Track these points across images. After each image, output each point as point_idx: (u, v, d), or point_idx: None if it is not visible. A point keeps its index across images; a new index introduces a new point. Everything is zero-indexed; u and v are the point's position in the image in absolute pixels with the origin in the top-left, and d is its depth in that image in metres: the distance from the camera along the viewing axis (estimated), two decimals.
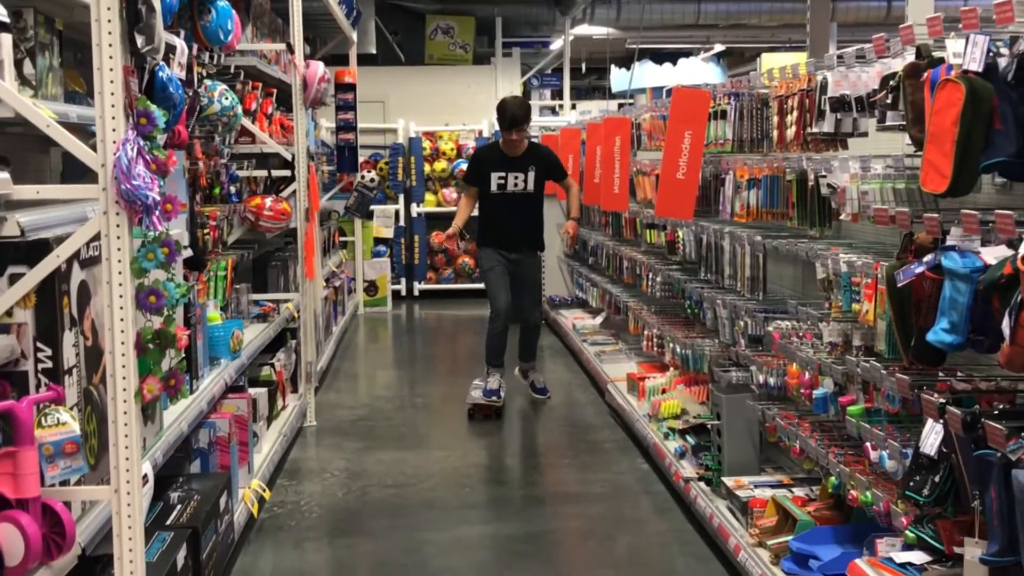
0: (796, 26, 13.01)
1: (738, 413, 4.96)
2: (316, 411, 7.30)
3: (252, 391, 5.79)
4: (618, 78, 16.97)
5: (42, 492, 2.82)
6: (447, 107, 13.35)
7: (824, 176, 4.09)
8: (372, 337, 11.19)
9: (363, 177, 10.98)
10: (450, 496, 5.71)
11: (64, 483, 2.99)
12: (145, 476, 3.31)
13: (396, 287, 12.87)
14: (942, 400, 2.99)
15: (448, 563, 4.76)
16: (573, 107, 14.71)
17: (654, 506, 5.51)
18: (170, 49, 3.98)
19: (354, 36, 10.72)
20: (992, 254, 2.82)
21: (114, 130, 2.93)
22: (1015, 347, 2.59)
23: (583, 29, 13.84)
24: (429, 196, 12.97)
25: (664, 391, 6.44)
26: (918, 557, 3.21)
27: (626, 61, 16.92)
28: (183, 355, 3.51)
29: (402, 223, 13.00)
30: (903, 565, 3.22)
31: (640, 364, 7.40)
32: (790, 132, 4.43)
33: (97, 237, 3.00)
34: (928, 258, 3.00)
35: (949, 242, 2.97)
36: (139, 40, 2.99)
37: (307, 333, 7.22)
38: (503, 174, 7.40)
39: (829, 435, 4.11)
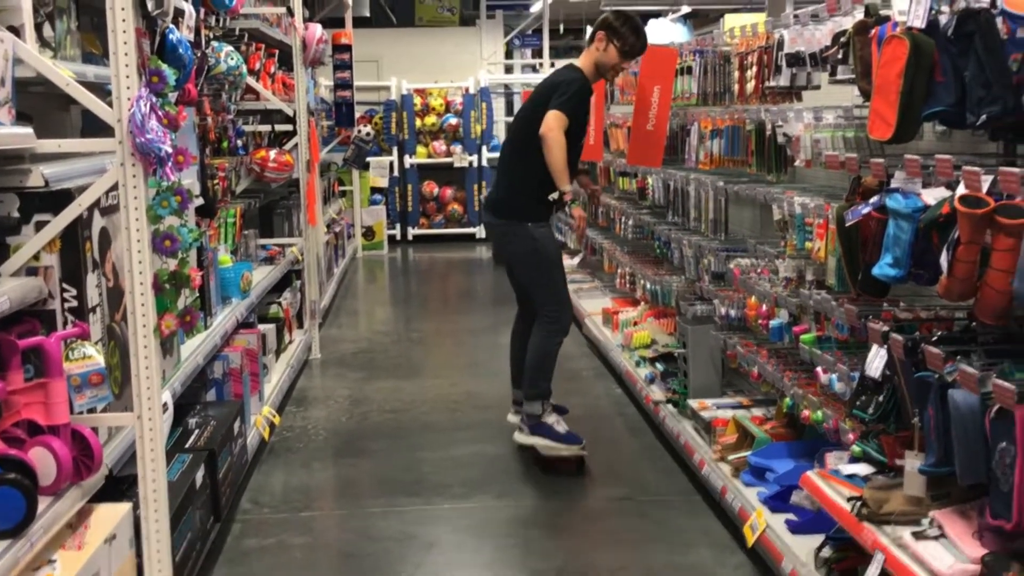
0: None
1: (702, 342, 4.97)
2: (320, 345, 7.30)
3: (261, 327, 5.78)
4: None
5: (71, 419, 2.81)
6: (436, 66, 13.19)
7: (780, 126, 4.06)
8: (370, 278, 11.15)
9: (360, 131, 10.87)
10: (443, 419, 5.73)
11: (91, 411, 2.98)
12: (165, 404, 3.32)
13: (392, 232, 12.82)
14: (886, 328, 2.97)
15: (441, 479, 4.79)
16: (552, 65, 14.53)
17: (627, 426, 5.55)
18: (179, 13, 3.92)
19: (349, 0, 10.59)
20: (932, 195, 2.79)
21: (128, 88, 2.89)
22: (952, 279, 2.58)
23: None
24: (420, 148, 12.86)
25: (636, 323, 6.45)
26: (863, 469, 3.21)
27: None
28: (197, 294, 3.49)
29: (396, 173, 12.91)
30: (850, 476, 3.22)
31: (614, 299, 7.40)
32: (750, 86, 4.40)
33: (115, 187, 2.97)
34: (874, 199, 2.97)
35: (893, 185, 2.94)
36: (150, 4, 2.95)
37: (310, 274, 7.20)
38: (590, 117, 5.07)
39: (784, 361, 4.12)
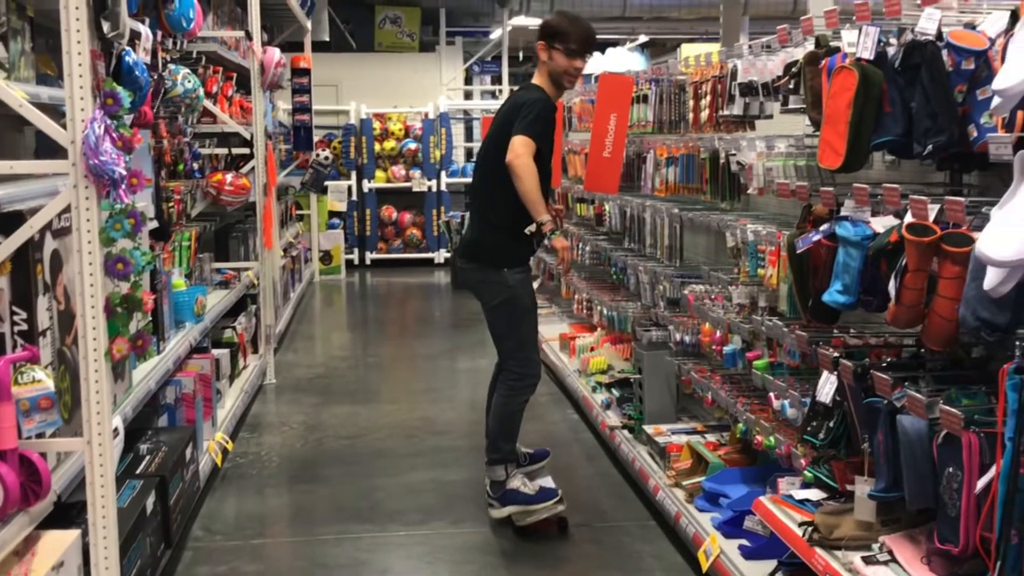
0: (712, 19, 12.99)
1: (657, 368, 5.00)
2: (276, 370, 7.25)
3: (215, 351, 5.73)
4: None
5: (19, 444, 2.77)
6: (395, 91, 13.21)
7: (734, 154, 4.12)
8: (327, 302, 11.10)
9: (318, 155, 10.84)
10: (399, 446, 5.71)
11: (40, 436, 2.93)
12: (116, 429, 3.28)
13: (349, 256, 12.78)
14: (836, 354, 3.02)
15: (397, 506, 4.77)
16: (512, 92, 14.64)
17: (583, 452, 5.56)
18: (136, 35, 3.92)
19: (308, 24, 10.58)
20: (881, 223, 2.85)
21: (83, 109, 2.86)
22: (899, 306, 2.63)
23: (520, 20, 13.72)
24: (379, 173, 12.86)
25: (592, 349, 6.48)
26: (815, 494, 3.24)
27: None
28: (150, 318, 3.46)
29: (354, 198, 12.90)
30: (801, 501, 3.25)
31: (571, 325, 7.43)
32: (704, 115, 4.45)
33: (68, 209, 2.93)
34: (824, 227, 3.02)
35: (843, 213, 3.00)
36: (105, 26, 2.94)
37: (266, 298, 7.16)
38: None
39: (737, 387, 4.16)
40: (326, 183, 11.90)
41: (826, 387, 3.07)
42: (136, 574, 3.39)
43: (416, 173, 12.83)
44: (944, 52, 2.58)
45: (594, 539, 4.36)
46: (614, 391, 5.62)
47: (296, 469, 5.34)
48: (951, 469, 2.45)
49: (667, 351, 4.92)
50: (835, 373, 3.00)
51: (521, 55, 17.49)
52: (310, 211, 12.03)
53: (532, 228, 4.23)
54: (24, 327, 2.92)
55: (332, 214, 12.65)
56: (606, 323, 6.22)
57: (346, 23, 13.84)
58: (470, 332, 9.07)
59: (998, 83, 2.13)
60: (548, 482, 4.52)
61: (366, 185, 12.82)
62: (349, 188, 12.82)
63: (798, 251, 3.12)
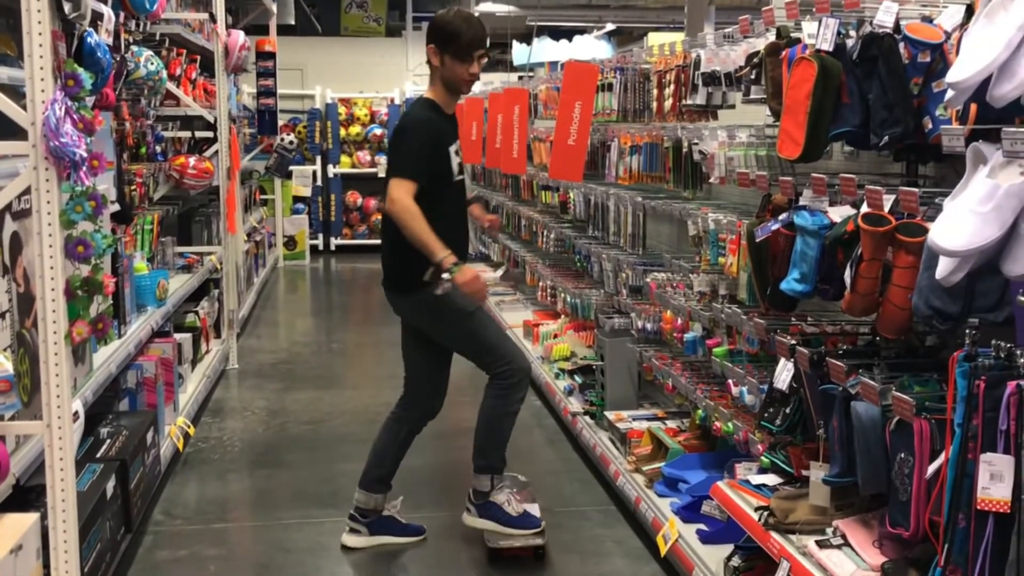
0: (679, 8, 13.05)
1: (619, 355, 5.04)
2: (238, 355, 7.24)
3: (177, 336, 5.70)
4: (519, 52, 16.84)
5: None
6: (361, 76, 13.19)
7: (696, 144, 4.15)
8: (291, 288, 11.07)
9: (282, 139, 10.80)
10: (362, 431, 5.69)
11: (1, 418, 2.93)
12: (76, 413, 3.27)
13: (314, 242, 12.75)
14: (793, 342, 3.06)
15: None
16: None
17: (545, 437, 5.59)
18: (98, 16, 3.89)
19: (274, 8, 10.54)
20: (838, 213, 2.88)
21: (43, 91, 2.85)
22: (855, 295, 2.67)
23: (487, 7, 13.72)
24: (345, 158, 12.83)
25: (556, 336, 6.52)
26: (771, 479, 3.28)
27: (526, 37, 16.83)
28: (111, 301, 3.42)
29: (319, 183, 12.86)
30: (758, 486, 3.29)
31: (535, 312, 7.45)
32: (667, 104, 4.47)
33: (28, 191, 2.92)
34: (783, 216, 3.05)
35: (801, 202, 3.03)
36: (67, 7, 2.92)
37: (229, 283, 7.14)
38: (456, 147, 4.08)
39: (697, 374, 4.20)
40: (291, 168, 11.84)
41: (783, 374, 3.11)
42: (95, 558, 3.38)
43: (381, 159, 12.78)
44: (901, 45, 2.62)
45: (555, 523, 4.39)
46: (577, 378, 5.66)
47: (258, 454, 5.34)
48: (903, 455, 2.49)
49: (629, 338, 4.95)
50: (792, 360, 3.04)
51: (488, 41, 17.53)
52: (274, 196, 11.99)
53: (427, 274, 3.77)
54: None
55: (297, 199, 12.60)
56: (569, 310, 6.26)
57: (312, 6, 13.78)
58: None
59: (952, 76, 2.16)
60: (535, 509, 4.14)
61: (331, 170, 12.79)
62: (314, 173, 12.78)
63: (757, 240, 3.16)
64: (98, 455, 3.85)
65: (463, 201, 4.22)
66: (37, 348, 3.01)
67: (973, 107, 2.32)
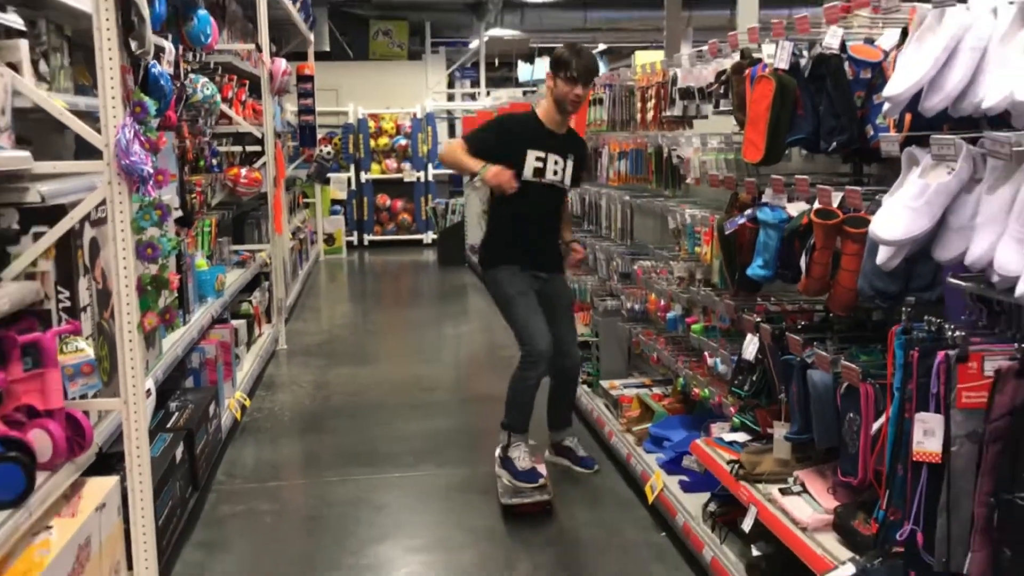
0: (661, 29, 12.99)
1: (611, 332, 5.06)
2: (287, 337, 7.27)
3: (234, 322, 5.74)
4: (523, 70, 16.88)
5: (65, 404, 2.78)
6: (387, 94, 13.17)
7: (674, 149, 4.15)
8: (331, 278, 11.09)
9: (321, 151, 10.82)
10: (394, 400, 5.75)
11: (83, 397, 2.96)
12: (148, 390, 3.30)
13: (350, 238, 12.77)
14: (758, 319, 3.08)
15: (391, 450, 4.82)
16: (488, 94, 14.58)
17: None
18: (160, 50, 3.91)
19: (311, 37, 10.52)
20: (795, 208, 2.89)
21: (114, 116, 2.87)
22: (809, 278, 2.68)
23: (496, 32, 13.68)
24: (375, 166, 12.84)
25: None
26: (741, 437, 3.30)
27: (529, 57, 16.82)
28: (176, 295, 3.45)
29: (353, 187, 12.87)
30: (730, 443, 3.30)
31: None
32: (649, 115, 4.47)
33: (103, 202, 2.94)
34: (748, 212, 3.06)
35: (764, 200, 3.04)
36: (133, 44, 2.93)
37: (277, 276, 7.17)
38: (543, 155, 4.11)
39: (678, 347, 4.23)
40: (329, 175, 11.86)
41: (750, 347, 3.12)
42: (167, 514, 3.43)
43: (407, 165, 12.81)
44: (846, 64, 2.62)
45: (559, 477, 4.42)
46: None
47: (305, 422, 5.38)
48: (851, 415, 2.51)
49: (620, 318, 4.97)
50: (757, 335, 3.06)
51: (497, 61, 17.43)
52: (315, 199, 11.99)
53: (476, 181, 4.05)
54: (67, 304, 2.93)
55: (334, 202, 12.62)
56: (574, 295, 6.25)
57: (344, 35, 13.75)
58: (454, 303, 9.12)
59: (888, 91, 2.17)
60: (542, 468, 4.15)
61: (363, 176, 12.79)
62: (348, 179, 12.78)
63: (726, 232, 3.17)
64: (168, 426, 3.89)
65: (541, 208, 4.19)
66: (114, 336, 3.05)
67: (908, 117, 2.32)
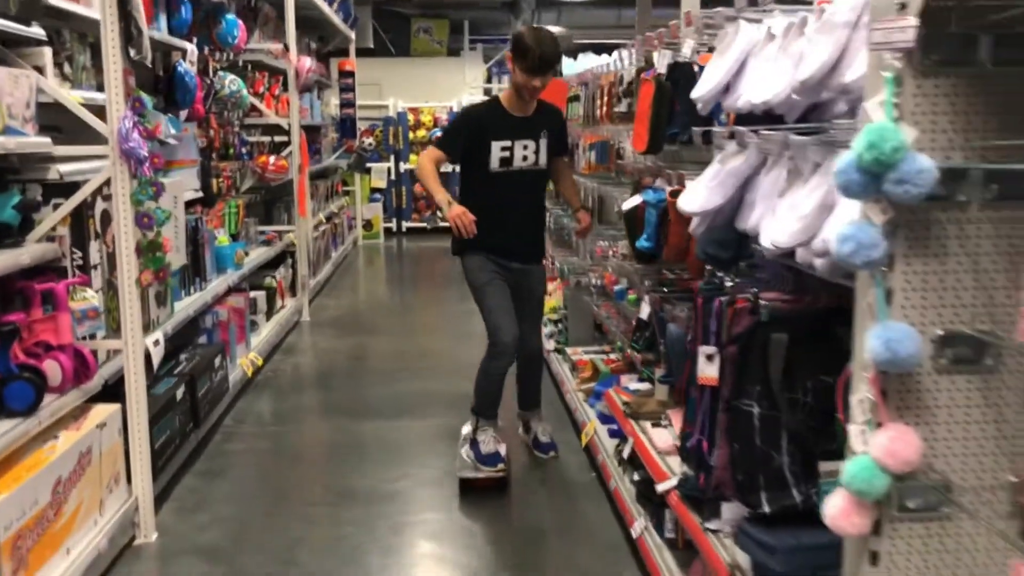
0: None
1: (578, 305, 5.55)
2: (311, 311, 7.87)
3: (252, 293, 6.33)
4: (566, 64, 17.29)
5: (75, 342, 3.39)
6: (427, 89, 13.65)
7: (621, 143, 4.63)
8: (367, 261, 11.66)
9: (362, 142, 11.42)
10: (391, 366, 6.30)
11: (92, 337, 3.59)
12: (157, 340, 3.89)
13: (388, 225, 13.34)
14: (648, 284, 3.58)
15: (381, 407, 5.37)
16: None
17: None
18: (183, 51, 4.55)
19: (352, 35, 11.08)
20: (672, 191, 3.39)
21: (117, 110, 3.44)
22: (669, 247, 3.16)
23: None
24: (413, 156, 13.35)
25: (549, 294, 7.00)
26: (644, 386, 3.79)
27: (570, 53, 17.18)
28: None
29: (393, 177, 13.47)
30: (635, 391, 3.81)
31: None
32: (603, 111, 4.94)
33: (109, 181, 3.55)
34: (640, 194, 3.57)
35: (656, 184, 3.54)
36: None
37: (301, 254, 7.76)
38: (508, 143, 4.10)
39: (623, 317, 4.62)
40: (369, 165, 12.47)
41: (645, 309, 3.63)
42: (165, 440, 4.04)
43: None
44: (696, 69, 3.11)
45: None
46: (558, 325, 6.19)
47: (311, 381, 5.98)
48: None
49: (587, 292, 5.46)
50: (647, 298, 3.56)
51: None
52: (354, 187, 12.62)
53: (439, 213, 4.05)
54: (80, 262, 3.54)
55: (374, 190, 13.21)
56: (558, 273, 6.76)
57: (386, 32, 14.34)
58: None
59: (695, 92, 2.66)
60: (503, 450, 4.23)
61: (402, 167, 13.36)
62: (388, 169, 13.38)
63: (625, 211, 3.66)
64: (175, 372, 4.49)
65: (513, 198, 4.14)
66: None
67: (731, 114, 2.81)
